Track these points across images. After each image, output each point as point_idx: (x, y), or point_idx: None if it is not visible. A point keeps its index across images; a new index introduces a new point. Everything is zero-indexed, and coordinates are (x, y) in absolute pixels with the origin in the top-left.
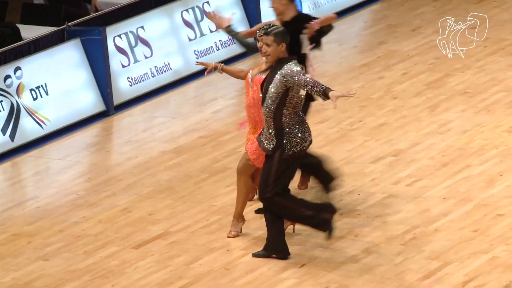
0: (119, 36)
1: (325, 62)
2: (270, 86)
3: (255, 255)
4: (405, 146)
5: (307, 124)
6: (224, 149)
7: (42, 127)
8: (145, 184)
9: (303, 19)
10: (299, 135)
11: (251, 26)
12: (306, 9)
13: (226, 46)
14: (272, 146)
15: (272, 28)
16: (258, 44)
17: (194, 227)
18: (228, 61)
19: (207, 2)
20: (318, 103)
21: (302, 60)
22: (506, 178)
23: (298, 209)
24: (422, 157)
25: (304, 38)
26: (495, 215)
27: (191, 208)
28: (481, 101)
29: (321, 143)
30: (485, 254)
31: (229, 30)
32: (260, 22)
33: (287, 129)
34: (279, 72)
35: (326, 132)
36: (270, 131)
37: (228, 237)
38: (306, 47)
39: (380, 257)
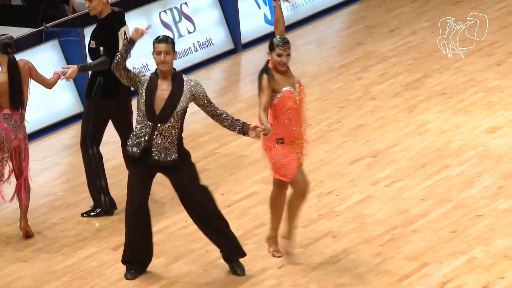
0: None
1: (303, 63)
2: None
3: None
4: (383, 147)
5: None
6: (203, 150)
7: None
8: (123, 185)
9: (117, 17)
10: None
11: (229, 27)
12: (284, 11)
13: (205, 47)
14: (174, 156)
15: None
16: (279, 59)
17: (173, 228)
18: (206, 62)
19: (185, 3)
20: None
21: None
22: (485, 178)
23: None
24: (400, 158)
25: (120, 36)
26: (473, 215)
27: (170, 210)
28: (459, 102)
29: None
30: (463, 255)
31: (83, 67)
32: (238, 23)
33: None
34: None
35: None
36: (172, 144)
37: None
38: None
39: (359, 258)
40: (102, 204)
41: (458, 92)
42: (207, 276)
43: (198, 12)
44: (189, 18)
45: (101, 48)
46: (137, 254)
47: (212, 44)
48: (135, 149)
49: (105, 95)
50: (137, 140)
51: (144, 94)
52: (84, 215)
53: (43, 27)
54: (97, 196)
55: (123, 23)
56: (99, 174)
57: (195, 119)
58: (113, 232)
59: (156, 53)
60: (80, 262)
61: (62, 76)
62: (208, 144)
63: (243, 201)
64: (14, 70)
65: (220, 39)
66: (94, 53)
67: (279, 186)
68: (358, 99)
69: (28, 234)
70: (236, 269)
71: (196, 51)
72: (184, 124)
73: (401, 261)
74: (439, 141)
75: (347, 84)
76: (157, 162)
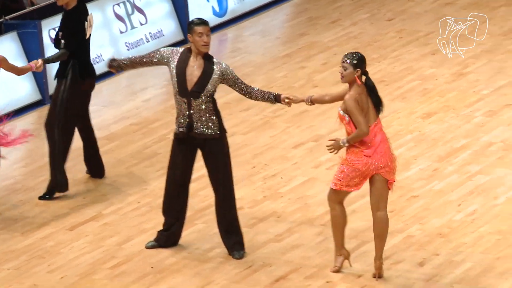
0: (54, 29)
1: (249, 53)
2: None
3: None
4: (325, 132)
5: None
6: (154, 136)
7: None
8: (79, 169)
9: (84, 8)
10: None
11: (179, 21)
12: (231, 3)
13: (156, 38)
14: (216, 129)
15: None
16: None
17: (126, 209)
18: None
19: None
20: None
21: (86, 44)
22: (420, 161)
23: None
24: None
25: (88, 26)
26: (409, 196)
27: (123, 192)
28: (396, 89)
29: (245, 130)
30: (400, 233)
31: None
32: (188, 15)
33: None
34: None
35: (251, 119)
36: (212, 117)
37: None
38: (88, 33)
39: (302, 237)
40: (58, 183)
41: (395, 80)
42: (158, 255)
43: (149, 5)
44: (141, 11)
45: (62, 41)
46: (170, 235)
47: (163, 35)
48: (181, 129)
49: (82, 76)
50: (181, 120)
51: (175, 71)
52: (41, 198)
53: (2, 19)
54: (53, 175)
55: (87, 12)
56: (62, 154)
57: (147, 106)
58: (69, 213)
59: (197, 35)
60: (37, 242)
61: (34, 67)
62: (159, 129)
63: (193, 183)
64: None
65: (171, 30)
66: (59, 43)
67: (333, 201)
68: (302, 86)
69: None
70: (235, 254)
71: (147, 42)
72: (137, 111)
73: None
74: None
75: (291, 73)
76: (199, 135)
